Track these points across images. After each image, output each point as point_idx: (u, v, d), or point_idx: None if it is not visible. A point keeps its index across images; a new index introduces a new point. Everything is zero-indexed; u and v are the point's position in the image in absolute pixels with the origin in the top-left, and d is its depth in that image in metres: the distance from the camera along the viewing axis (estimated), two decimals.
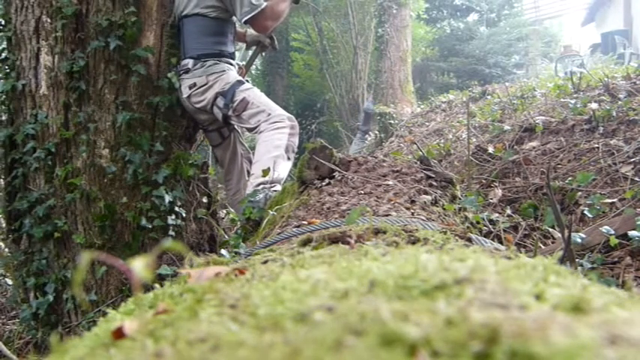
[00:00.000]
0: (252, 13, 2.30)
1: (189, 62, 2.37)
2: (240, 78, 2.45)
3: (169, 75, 2.38)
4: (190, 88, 2.37)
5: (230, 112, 2.35)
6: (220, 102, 2.36)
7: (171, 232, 2.33)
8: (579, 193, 2.07)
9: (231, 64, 2.48)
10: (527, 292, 0.38)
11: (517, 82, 7.25)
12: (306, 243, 0.83)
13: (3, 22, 2.37)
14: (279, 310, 0.38)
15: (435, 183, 1.68)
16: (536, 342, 0.28)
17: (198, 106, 2.40)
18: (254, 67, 10.62)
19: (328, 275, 0.46)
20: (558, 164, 2.44)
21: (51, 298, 2.21)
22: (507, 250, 0.70)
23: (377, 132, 7.59)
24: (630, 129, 2.53)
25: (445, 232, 0.91)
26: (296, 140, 2.31)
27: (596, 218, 1.79)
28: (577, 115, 2.95)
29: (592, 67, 6.70)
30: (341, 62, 10.39)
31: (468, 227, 1.57)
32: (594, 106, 2.95)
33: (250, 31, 2.75)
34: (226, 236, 2.50)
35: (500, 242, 1.53)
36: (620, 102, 2.92)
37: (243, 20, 2.33)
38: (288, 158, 2.26)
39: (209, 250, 2.51)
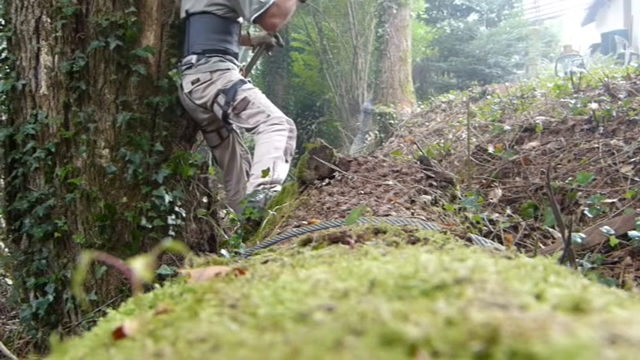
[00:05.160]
0: (261, 11, 2.30)
1: (192, 57, 2.37)
2: (242, 77, 2.45)
3: (171, 73, 2.38)
4: (193, 83, 2.37)
5: (230, 111, 2.35)
6: (221, 99, 2.36)
7: (171, 232, 2.33)
8: (579, 193, 2.07)
9: (234, 64, 2.49)
10: (527, 292, 0.38)
11: (517, 82, 7.25)
12: (306, 243, 0.82)
13: (3, 22, 2.37)
14: (279, 310, 0.38)
15: (435, 183, 1.68)
16: (536, 342, 0.28)
17: (198, 102, 2.40)
18: (254, 66, 10.61)
19: (328, 275, 0.46)
20: (558, 164, 2.44)
21: (51, 298, 2.21)
22: (507, 250, 0.70)
23: (377, 132, 7.60)
24: (630, 129, 2.53)
25: (445, 232, 0.91)
26: (294, 144, 2.32)
27: (596, 218, 1.79)
28: (577, 115, 2.95)
29: (592, 67, 6.70)
30: (341, 62, 10.39)
31: (468, 227, 1.57)
32: (594, 106, 2.95)
33: (254, 32, 2.75)
34: (226, 236, 2.49)
35: (501, 242, 1.53)
36: (620, 102, 2.92)
37: (252, 18, 2.32)
38: (286, 161, 2.26)
39: (209, 250, 2.51)
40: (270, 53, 2.84)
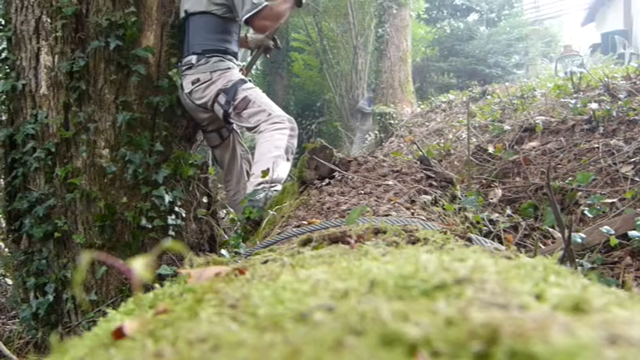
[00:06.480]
0: (252, 12, 2.31)
1: (192, 58, 2.38)
2: (242, 77, 2.46)
3: (171, 73, 2.38)
4: (193, 83, 2.37)
5: (231, 110, 2.35)
6: (222, 99, 2.36)
7: (171, 232, 2.33)
8: (579, 193, 2.07)
9: (234, 63, 2.49)
10: (527, 292, 0.38)
11: (517, 82, 7.25)
12: (306, 243, 0.82)
13: (3, 22, 2.37)
14: (279, 310, 0.38)
15: (435, 183, 1.68)
16: (536, 342, 0.28)
17: (199, 102, 2.40)
18: (254, 67, 10.59)
19: (328, 275, 0.46)
20: (558, 164, 2.44)
21: (51, 298, 2.21)
22: (507, 250, 0.70)
23: (377, 132, 7.60)
24: (630, 129, 2.53)
25: (445, 232, 0.91)
26: (295, 142, 2.32)
27: (596, 218, 1.79)
28: (577, 115, 2.95)
29: (592, 67, 6.70)
30: (341, 62, 10.39)
31: (468, 227, 1.57)
32: (594, 106, 2.95)
33: (251, 35, 2.75)
34: (226, 236, 2.49)
35: (500, 242, 1.53)
36: (620, 102, 2.92)
37: (244, 19, 2.33)
38: (288, 159, 2.26)
39: (209, 250, 2.51)
40: (268, 56, 2.84)
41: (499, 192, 2.32)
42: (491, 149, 2.89)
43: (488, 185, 2.51)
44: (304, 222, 1.31)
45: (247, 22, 2.36)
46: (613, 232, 1.49)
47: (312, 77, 11.74)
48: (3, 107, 2.37)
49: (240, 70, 2.60)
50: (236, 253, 1.18)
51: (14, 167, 2.32)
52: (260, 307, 0.39)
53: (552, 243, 1.69)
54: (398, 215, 1.26)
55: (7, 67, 2.34)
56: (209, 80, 2.37)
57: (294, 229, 1.18)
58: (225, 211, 2.97)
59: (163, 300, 0.52)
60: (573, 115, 2.96)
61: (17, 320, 2.64)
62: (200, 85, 2.37)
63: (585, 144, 2.51)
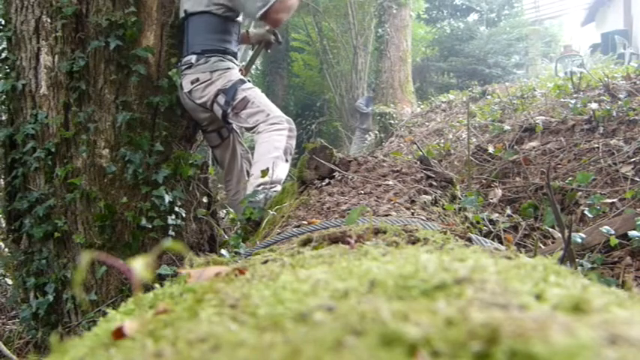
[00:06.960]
0: (266, 8, 2.31)
1: (192, 57, 2.38)
2: (242, 77, 2.46)
3: (171, 73, 2.39)
4: (192, 83, 2.37)
5: (229, 110, 2.35)
6: (221, 99, 2.36)
7: (171, 232, 2.33)
8: (579, 193, 2.07)
9: (234, 63, 2.49)
10: (527, 292, 0.38)
11: (517, 82, 7.25)
12: (306, 243, 0.82)
13: (3, 22, 2.37)
14: (279, 310, 0.38)
15: (435, 183, 1.68)
16: (536, 342, 0.28)
17: (198, 102, 2.40)
18: (254, 67, 10.59)
19: (328, 275, 0.46)
20: (558, 164, 2.44)
21: (51, 298, 2.21)
22: (507, 250, 0.70)
23: (377, 132, 7.59)
24: (630, 129, 2.54)
25: (445, 232, 0.91)
26: (293, 143, 2.32)
27: (596, 218, 1.79)
28: (577, 115, 2.95)
29: (592, 67, 6.70)
30: (341, 62, 10.39)
31: (468, 227, 1.57)
32: (594, 106, 2.95)
33: (253, 30, 2.76)
34: (226, 236, 2.50)
35: (500, 242, 1.53)
36: (620, 102, 2.92)
37: (259, 15, 2.33)
38: (286, 160, 2.26)
39: (209, 250, 2.51)
40: (269, 51, 2.85)
41: (499, 192, 2.32)
42: (491, 149, 2.89)
43: (488, 185, 2.51)
44: (304, 222, 1.31)
45: (261, 17, 2.36)
46: (613, 232, 1.49)
47: (312, 77, 11.74)
48: (3, 107, 2.37)
49: (240, 70, 2.61)
50: (236, 253, 1.18)
51: (14, 167, 2.32)
52: (260, 307, 0.39)
53: (552, 243, 1.69)
54: (398, 215, 1.27)
55: (7, 67, 2.34)
56: (208, 80, 2.37)
57: (294, 229, 1.18)
58: (225, 211, 2.96)
59: (163, 300, 0.52)
60: (573, 115, 2.96)
61: (17, 320, 2.64)
62: (199, 84, 2.37)
63: (585, 144, 2.51)
